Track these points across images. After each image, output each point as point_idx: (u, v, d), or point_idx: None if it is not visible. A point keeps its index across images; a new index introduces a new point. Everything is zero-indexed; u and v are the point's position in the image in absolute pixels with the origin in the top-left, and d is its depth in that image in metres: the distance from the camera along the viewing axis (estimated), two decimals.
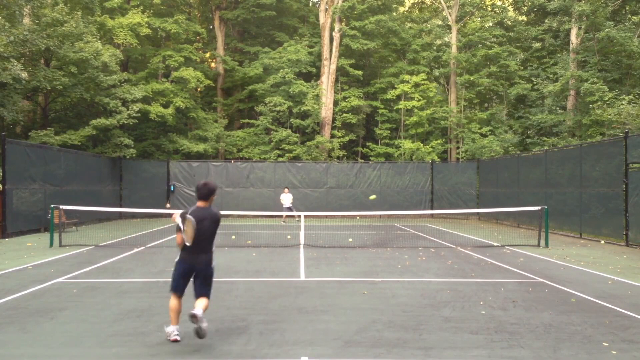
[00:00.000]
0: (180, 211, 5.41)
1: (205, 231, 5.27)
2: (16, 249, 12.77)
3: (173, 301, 5.34)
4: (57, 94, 22.05)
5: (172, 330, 5.30)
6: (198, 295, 5.32)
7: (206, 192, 5.37)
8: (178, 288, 5.37)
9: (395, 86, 30.76)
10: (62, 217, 14.88)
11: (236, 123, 33.33)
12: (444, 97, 33.30)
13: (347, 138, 30.62)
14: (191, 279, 5.40)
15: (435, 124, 30.84)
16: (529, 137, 28.13)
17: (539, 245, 13.54)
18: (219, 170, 25.55)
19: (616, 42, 23.29)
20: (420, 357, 4.87)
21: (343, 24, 30.76)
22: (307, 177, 25.67)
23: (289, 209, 21.63)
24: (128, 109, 22.99)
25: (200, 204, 5.39)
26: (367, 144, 31.92)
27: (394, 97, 30.90)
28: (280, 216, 22.59)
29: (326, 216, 24.71)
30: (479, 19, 32.85)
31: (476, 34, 30.45)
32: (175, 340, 5.24)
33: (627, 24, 25.13)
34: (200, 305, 5.16)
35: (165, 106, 26.66)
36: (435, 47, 33.94)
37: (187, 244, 5.18)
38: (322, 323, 5.95)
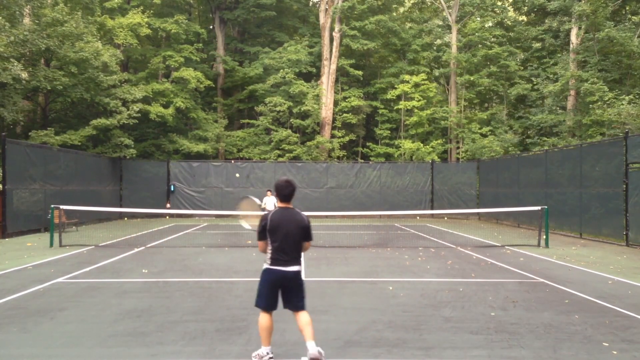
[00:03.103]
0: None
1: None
2: (16, 249, 12.77)
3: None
4: (57, 94, 22.06)
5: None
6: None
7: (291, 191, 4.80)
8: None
9: (395, 86, 30.77)
10: (62, 217, 14.88)
11: (236, 123, 33.34)
12: (444, 97, 33.30)
13: (347, 138, 30.62)
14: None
15: (435, 124, 30.84)
16: (529, 137, 28.12)
17: (539, 245, 13.54)
18: (219, 170, 25.54)
19: (616, 42, 23.28)
20: (420, 357, 4.87)
21: (343, 24, 30.76)
22: (307, 177, 25.68)
23: None
24: (128, 109, 23.02)
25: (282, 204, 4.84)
26: (367, 144, 31.92)
27: (394, 97, 30.91)
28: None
29: (326, 216, 24.70)
30: (479, 19, 32.85)
31: (476, 34, 30.45)
32: None
33: (627, 24, 25.11)
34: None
35: (166, 106, 26.67)
36: (435, 47, 33.97)
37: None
38: (322, 323, 5.93)
